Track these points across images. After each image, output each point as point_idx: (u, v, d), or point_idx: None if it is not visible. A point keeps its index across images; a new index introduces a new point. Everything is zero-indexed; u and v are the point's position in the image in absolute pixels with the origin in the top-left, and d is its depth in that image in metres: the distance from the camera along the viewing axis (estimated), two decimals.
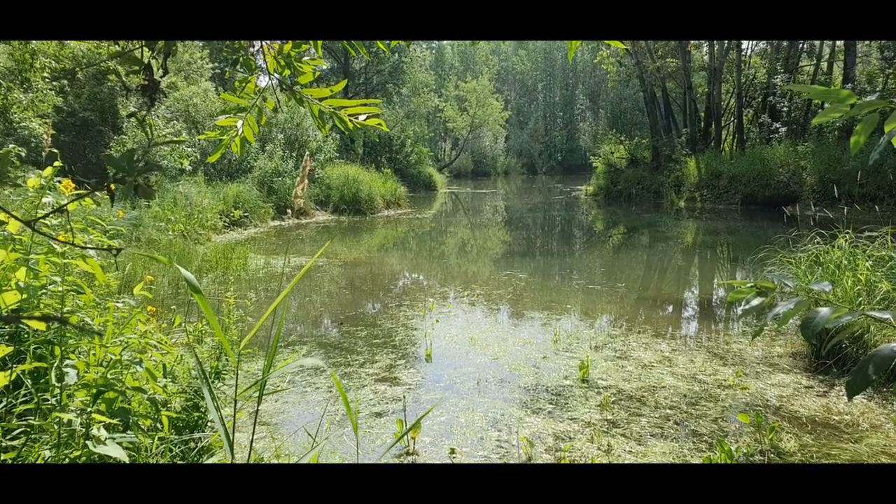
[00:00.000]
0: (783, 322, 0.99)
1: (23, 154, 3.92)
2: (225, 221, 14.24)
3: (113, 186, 0.95)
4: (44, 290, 2.03)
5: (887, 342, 4.17)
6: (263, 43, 1.44)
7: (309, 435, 3.50)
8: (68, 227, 2.07)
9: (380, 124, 1.63)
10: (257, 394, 3.94)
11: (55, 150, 2.58)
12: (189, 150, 13.83)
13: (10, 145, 4.97)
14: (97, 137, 18.11)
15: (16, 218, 0.91)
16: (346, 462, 3.47)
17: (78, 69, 15.71)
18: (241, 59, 1.48)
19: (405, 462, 3.54)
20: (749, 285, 1.05)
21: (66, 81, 14.62)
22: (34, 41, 9.62)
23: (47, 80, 11.68)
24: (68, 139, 17.56)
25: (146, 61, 1.10)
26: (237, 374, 1.51)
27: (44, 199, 2.01)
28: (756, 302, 1.04)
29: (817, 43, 23.61)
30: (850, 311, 0.92)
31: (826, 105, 1.02)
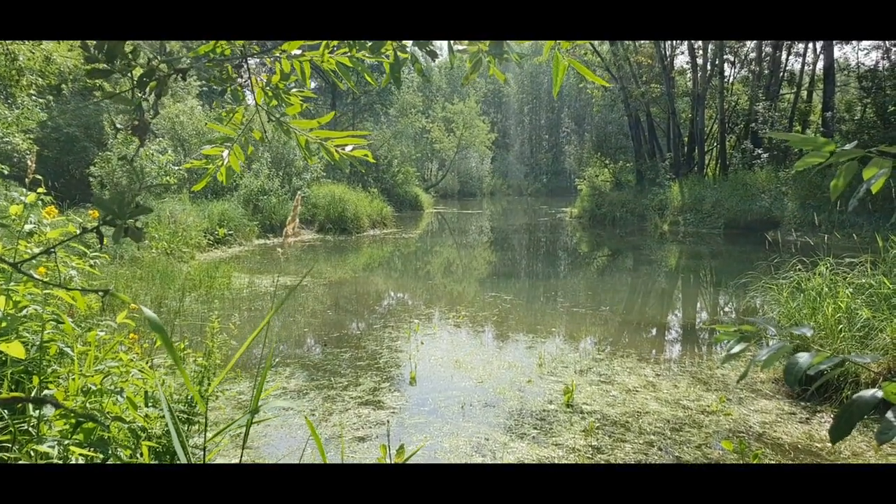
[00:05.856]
0: (766, 366, 1.00)
1: (6, 171, 3.89)
2: (209, 239, 14.13)
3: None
4: (24, 319, 1.99)
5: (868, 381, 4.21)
6: (251, 75, 1.45)
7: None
8: (52, 262, 2.04)
9: (366, 155, 1.64)
10: (234, 427, 3.88)
11: (39, 177, 2.55)
12: (175, 167, 13.75)
13: None
14: (81, 153, 17.96)
15: (3, 261, 0.90)
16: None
17: (63, 85, 15.60)
18: (229, 89, 1.48)
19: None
20: (733, 329, 1.07)
21: (51, 97, 14.52)
22: (21, 58, 9.58)
23: (33, 96, 11.60)
24: (52, 155, 17.36)
25: (136, 102, 1.10)
26: (206, 423, 1.49)
27: (26, 227, 1.99)
28: (739, 348, 1.06)
29: (797, 72, 24.17)
30: (831, 357, 0.94)
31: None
